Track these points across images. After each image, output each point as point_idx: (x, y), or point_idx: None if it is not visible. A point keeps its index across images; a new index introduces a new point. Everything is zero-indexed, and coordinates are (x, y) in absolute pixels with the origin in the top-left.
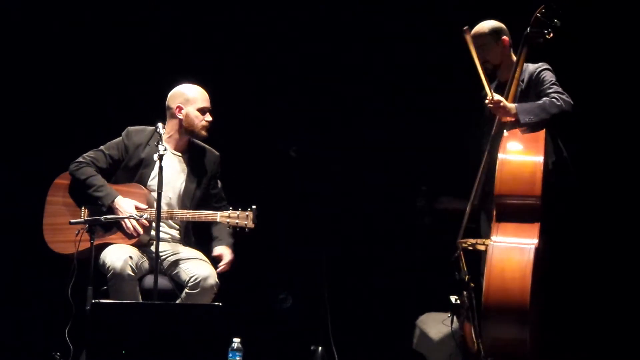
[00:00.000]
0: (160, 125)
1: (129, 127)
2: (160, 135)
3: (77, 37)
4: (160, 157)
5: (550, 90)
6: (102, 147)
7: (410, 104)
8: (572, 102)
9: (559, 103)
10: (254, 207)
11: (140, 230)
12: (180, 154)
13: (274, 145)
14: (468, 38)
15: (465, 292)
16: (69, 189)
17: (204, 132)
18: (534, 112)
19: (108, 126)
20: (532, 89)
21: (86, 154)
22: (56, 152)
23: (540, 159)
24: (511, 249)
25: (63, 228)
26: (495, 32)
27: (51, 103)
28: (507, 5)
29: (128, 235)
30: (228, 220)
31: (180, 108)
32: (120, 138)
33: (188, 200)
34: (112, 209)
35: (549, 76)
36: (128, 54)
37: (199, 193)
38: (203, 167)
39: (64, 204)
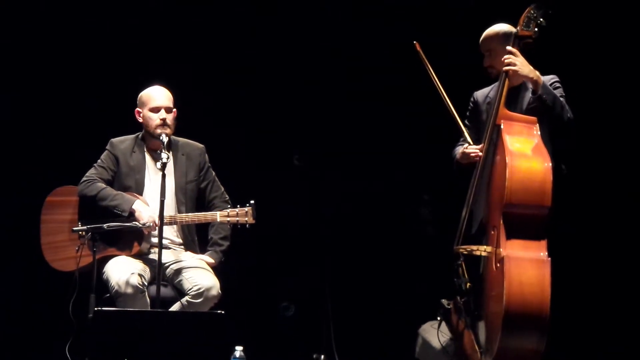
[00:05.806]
0: (163, 134)
1: (112, 139)
2: (163, 143)
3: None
4: (163, 165)
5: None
6: (97, 163)
7: (413, 109)
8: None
9: (569, 114)
10: (252, 202)
11: (157, 221)
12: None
13: (278, 153)
14: (420, 51)
15: (460, 298)
16: (62, 206)
17: (158, 131)
18: (551, 95)
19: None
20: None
21: (88, 172)
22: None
23: (548, 165)
24: (528, 262)
25: (63, 245)
26: (506, 37)
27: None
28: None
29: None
30: (228, 219)
31: (138, 112)
32: (107, 151)
33: (182, 194)
34: (132, 214)
35: (560, 90)
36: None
37: (192, 186)
38: (188, 160)
39: (60, 220)
